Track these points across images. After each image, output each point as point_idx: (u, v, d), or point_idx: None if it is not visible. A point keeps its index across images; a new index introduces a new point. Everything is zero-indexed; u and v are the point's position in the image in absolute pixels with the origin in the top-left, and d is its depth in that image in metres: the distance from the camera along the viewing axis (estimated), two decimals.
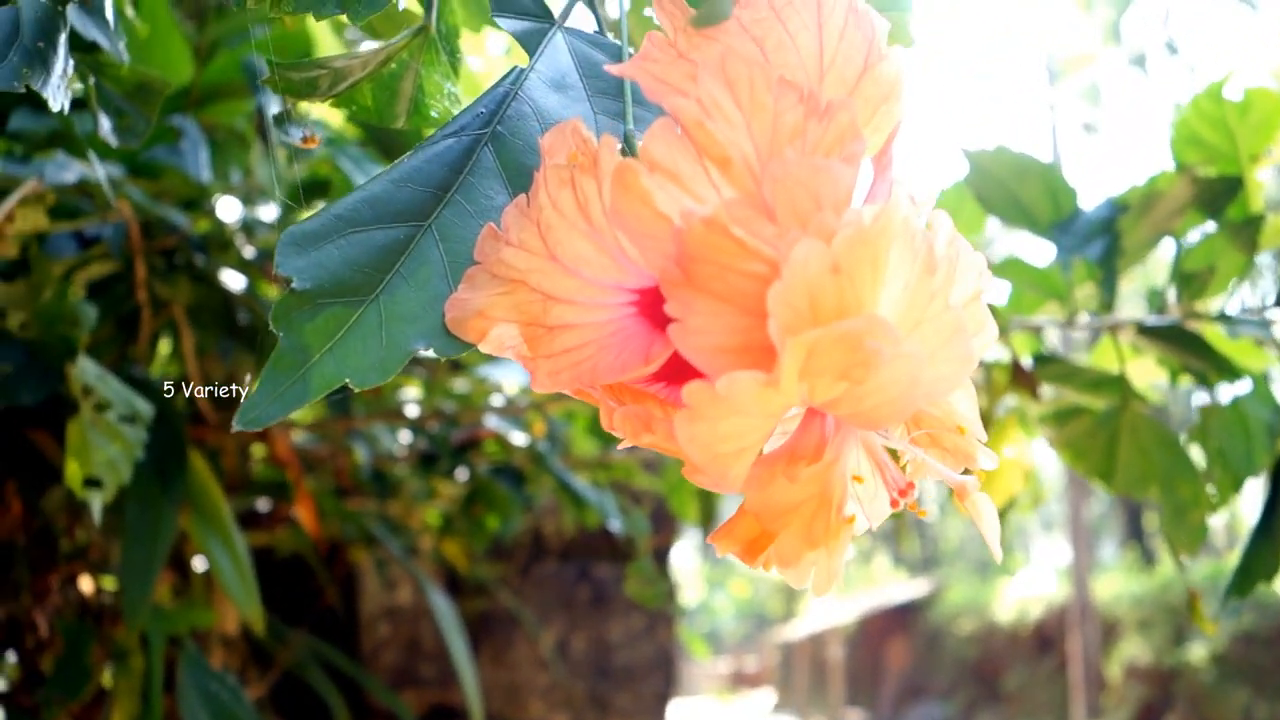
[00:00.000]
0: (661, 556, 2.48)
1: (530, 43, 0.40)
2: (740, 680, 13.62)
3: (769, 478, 0.30)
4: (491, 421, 1.25)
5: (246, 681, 1.78)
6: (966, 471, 0.36)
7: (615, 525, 1.27)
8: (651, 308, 0.31)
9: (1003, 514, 1.06)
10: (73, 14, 0.62)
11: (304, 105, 0.69)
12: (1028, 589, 8.85)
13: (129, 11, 0.66)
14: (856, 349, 0.27)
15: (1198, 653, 6.71)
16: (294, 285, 0.31)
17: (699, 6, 0.30)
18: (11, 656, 1.23)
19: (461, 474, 1.41)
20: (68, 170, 0.88)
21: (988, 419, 0.96)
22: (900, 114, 0.32)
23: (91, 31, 0.62)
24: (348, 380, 0.31)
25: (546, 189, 0.31)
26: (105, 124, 0.62)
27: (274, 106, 0.92)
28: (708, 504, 1.51)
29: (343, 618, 2.31)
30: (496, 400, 1.25)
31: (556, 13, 0.42)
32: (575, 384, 0.32)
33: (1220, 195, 0.83)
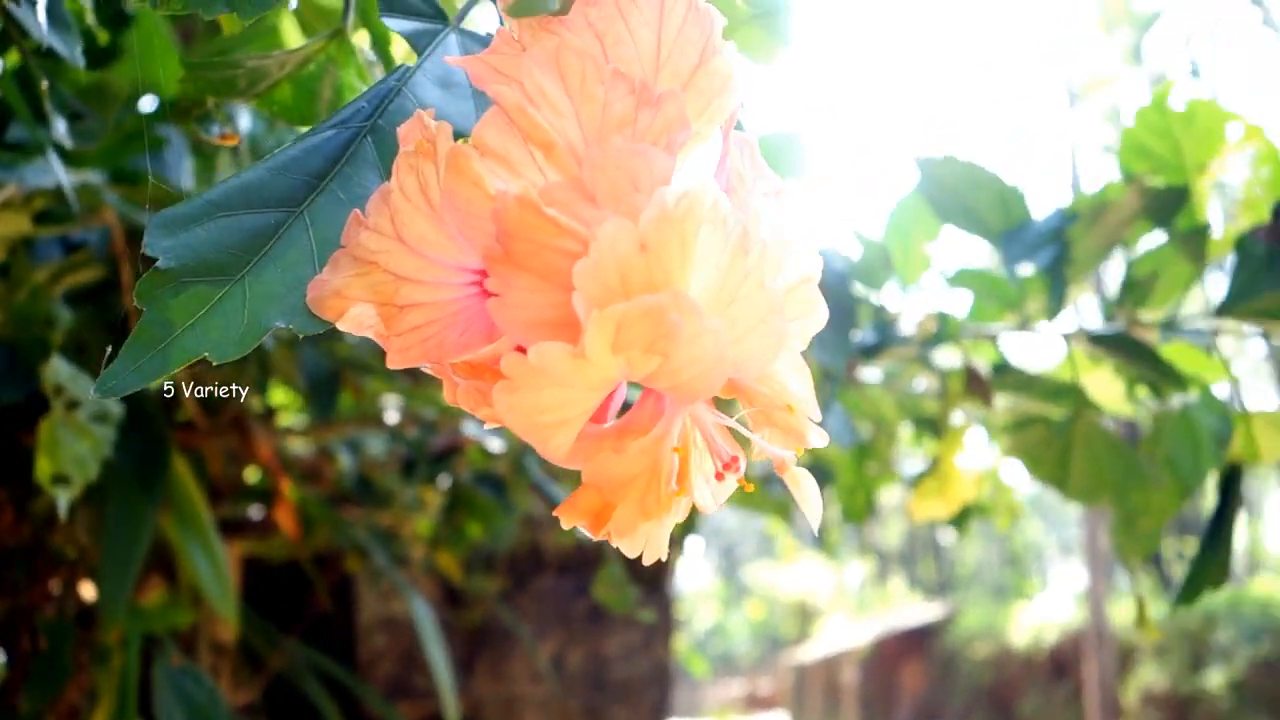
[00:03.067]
0: (654, 572, 2.48)
1: (420, 43, 0.42)
2: (754, 703, 13.52)
3: (595, 449, 0.31)
4: (470, 428, 1.27)
5: (237, 685, 1.80)
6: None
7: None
8: None
9: (959, 521, 1.07)
10: (31, 21, 0.64)
11: None
12: (1044, 614, 8.77)
13: (89, 20, 0.68)
14: (660, 323, 0.28)
15: (1215, 680, 6.63)
16: (159, 264, 0.33)
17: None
18: (1, 656, 1.25)
19: (444, 482, 1.42)
20: (47, 175, 0.91)
21: (942, 426, 0.97)
22: (733, 106, 0.34)
23: (49, 38, 0.65)
24: (206, 353, 0.33)
25: (397, 175, 0.33)
26: (60, 126, 0.64)
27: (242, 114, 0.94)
28: (689, 518, 1.52)
29: (339, 627, 2.32)
30: None
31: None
32: (424, 360, 0.33)
33: (1168, 205, 0.84)
